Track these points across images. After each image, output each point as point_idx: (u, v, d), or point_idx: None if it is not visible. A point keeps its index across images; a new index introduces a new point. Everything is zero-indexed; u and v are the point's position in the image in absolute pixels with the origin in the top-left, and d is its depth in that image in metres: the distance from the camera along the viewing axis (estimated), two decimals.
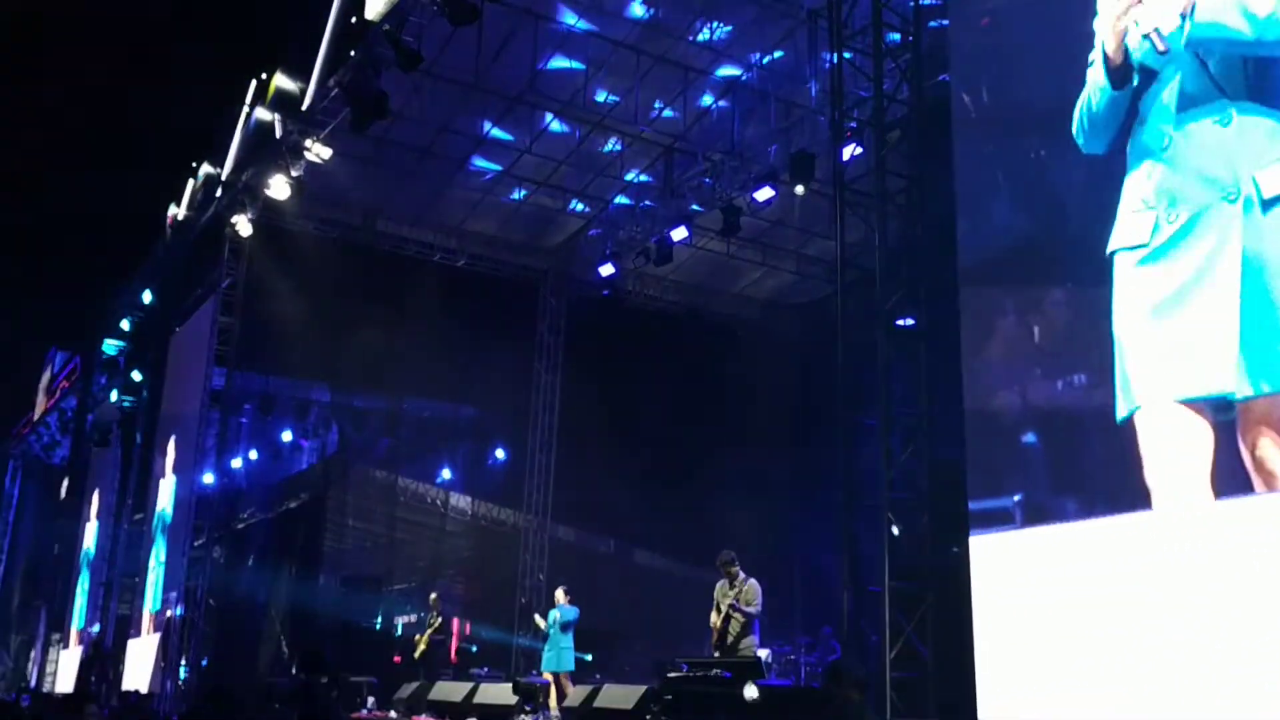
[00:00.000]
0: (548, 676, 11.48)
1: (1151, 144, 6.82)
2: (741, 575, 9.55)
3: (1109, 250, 6.89)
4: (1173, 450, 6.29)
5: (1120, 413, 6.64)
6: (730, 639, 9.43)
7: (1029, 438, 7.40)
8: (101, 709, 14.01)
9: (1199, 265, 6.44)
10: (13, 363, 28.16)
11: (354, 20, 12.59)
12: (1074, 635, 6.58)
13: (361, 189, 16.38)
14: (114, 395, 22.15)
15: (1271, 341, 5.98)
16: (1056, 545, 6.87)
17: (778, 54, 13.47)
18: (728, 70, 13.90)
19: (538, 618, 12.27)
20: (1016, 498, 7.18)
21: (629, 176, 16.02)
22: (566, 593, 11.93)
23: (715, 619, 9.54)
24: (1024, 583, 7.01)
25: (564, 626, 11.63)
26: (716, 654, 9.39)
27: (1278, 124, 6.25)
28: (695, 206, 15.19)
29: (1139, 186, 6.83)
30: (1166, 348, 6.50)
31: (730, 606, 9.42)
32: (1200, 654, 5.85)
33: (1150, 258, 6.68)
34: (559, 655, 11.60)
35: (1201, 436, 6.15)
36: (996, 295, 7.87)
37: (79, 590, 22.68)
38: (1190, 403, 6.25)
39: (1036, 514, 7.06)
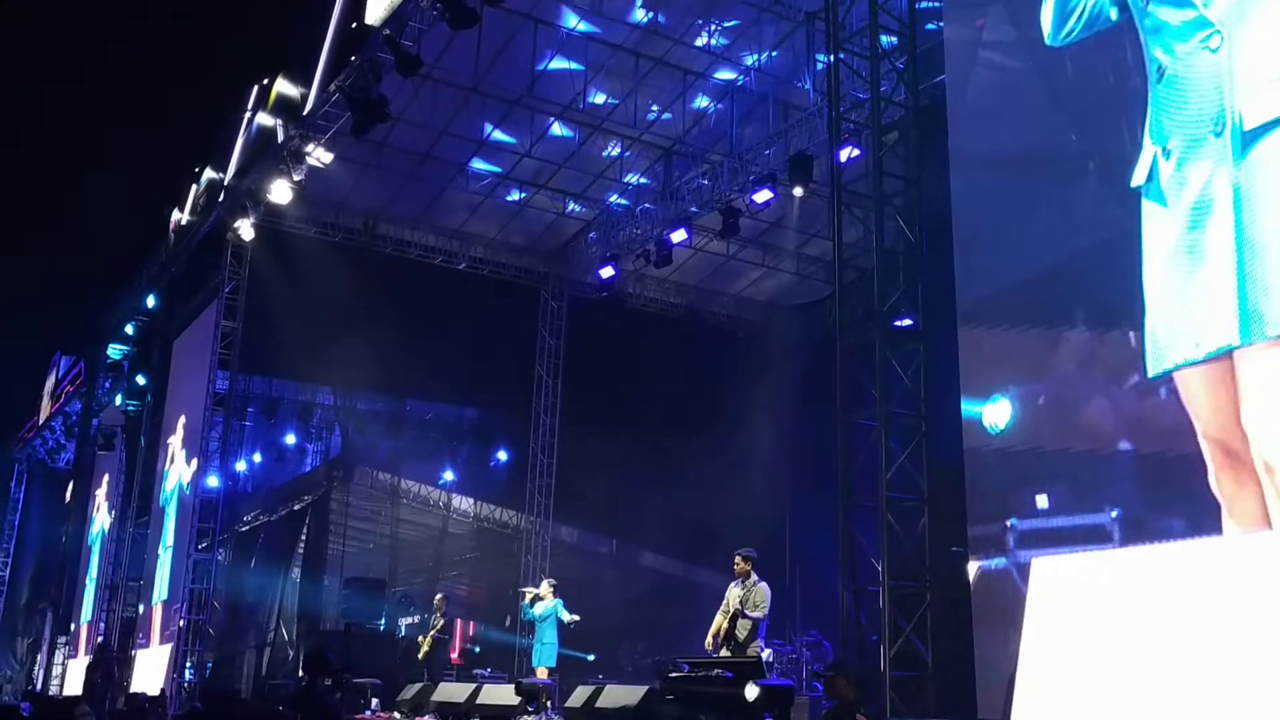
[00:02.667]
0: (542, 674, 11.53)
1: (1150, 73, 6.51)
2: (754, 577, 9.56)
3: (1131, 185, 6.61)
4: (1203, 411, 5.98)
5: (1150, 370, 6.38)
6: (736, 641, 9.43)
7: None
8: (103, 711, 14.08)
9: (1193, 208, 6.08)
10: (18, 367, 28.31)
11: (354, 25, 12.66)
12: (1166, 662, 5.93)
13: (362, 193, 16.44)
14: (118, 399, 22.26)
15: (1271, 285, 5.64)
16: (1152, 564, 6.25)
17: (775, 56, 13.52)
18: (726, 73, 13.96)
19: (527, 592, 12.28)
20: (1115, 513, 6.67)
21: (628, 179, 16.08)
22: (552, 585, 12.01)
23: (720, 620, 9.52)
24: (1121, 604, 6.34)
25: (544, 619, 11.76)
26: (725, 653, 9.39)
27: (1271, 41, 5.72)
28: (694, 208, 15.24)
29: (1149, 119, 6.50)
30: (1177, 300, 6.18)
31: (737, 610, 9.40)
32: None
33: (1157, 198, 6.39)
34: (540, 650, 11.75)
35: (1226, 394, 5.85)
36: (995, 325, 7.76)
37: (85, 593, 22.78)
38: (1209, 360, 5.95)
39: (1137, 531, 6.48)
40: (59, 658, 23.53)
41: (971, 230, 8.32)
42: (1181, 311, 6.23)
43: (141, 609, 19.02)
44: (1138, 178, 6.61)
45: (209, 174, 17.85)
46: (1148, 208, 6.55)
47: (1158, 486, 6.45)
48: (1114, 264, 6.78)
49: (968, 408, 8.00)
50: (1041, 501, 7.28)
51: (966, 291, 8.26)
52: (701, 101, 14.53)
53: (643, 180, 16.08)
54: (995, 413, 7.74)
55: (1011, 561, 7.43)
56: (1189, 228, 6.16)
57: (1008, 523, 7.49)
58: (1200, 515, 6.06)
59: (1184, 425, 6.20)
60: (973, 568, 7.77)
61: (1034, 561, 7.15)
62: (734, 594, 9.55)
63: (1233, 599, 5.70)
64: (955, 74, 8.77)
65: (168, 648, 16.56)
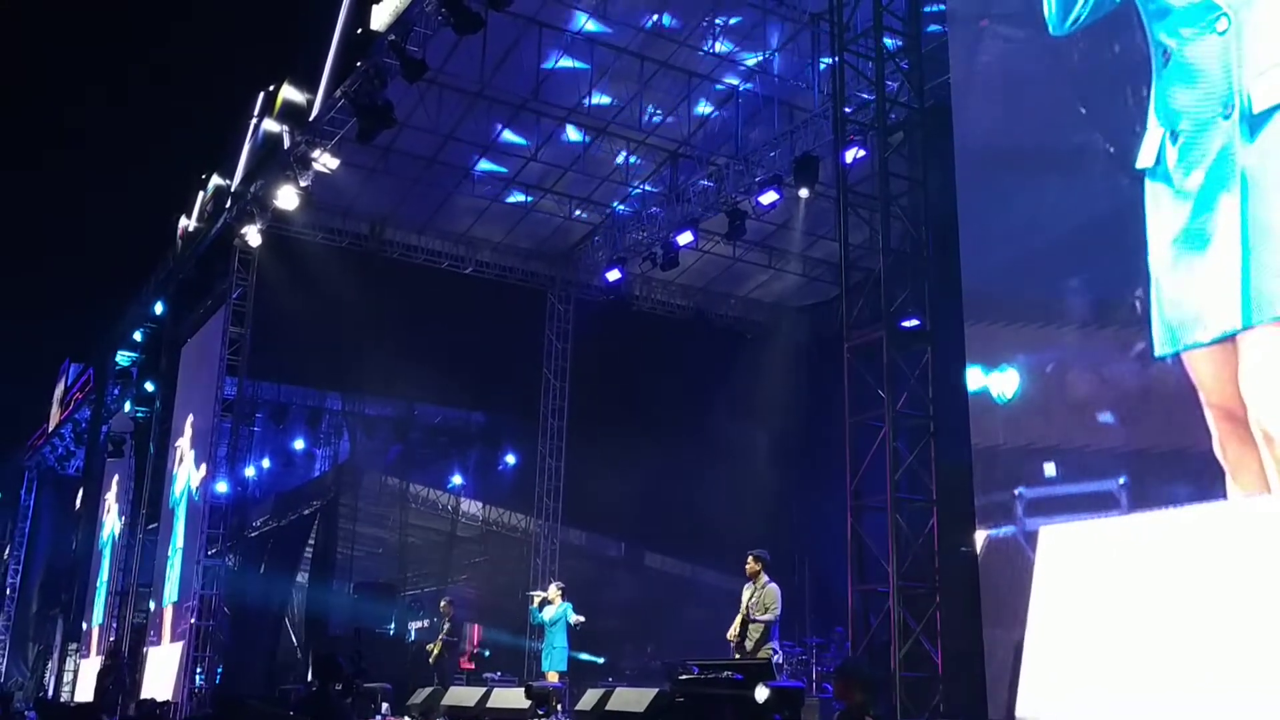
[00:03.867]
0: (552, 677, 11.54)
1: (1155, 56, 6.47)
2: (764, 578, 9.55)
3: (1137, 167, 6.57)
4: (1208, 383, 6.01)
5: (1158, 350, 6.37)
6: (750, 644, 9.42)
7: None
8: (115, 716, 14.13)
9: (1200, 191, 6.06)
10: (27, 375, 28.46)
11: (360, 31, 12.69)
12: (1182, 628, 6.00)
13: (369, 198, 16.49)
14: (127, 406, 22.34)
15: (1277, 267, 5.62)
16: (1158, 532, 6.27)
17: (780, 58, 13.52)
18: (731, 75, 13.96)
19: (535, 596, 12.39)
20: (1122, 480, 6.62)
21: (634, 182, 16.09)
22: (560, 588, 12.03)
23: (737, 625, 9.50)
24: (1130, 572, 6.41)
25: (553, 623, 11.78)
26: (737, 657, 9.38)
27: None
28: (700, 211, 15.24)
29: (1154, 102, 6.45)
30: (1184, 284, 6.17)
31: (746, 615, 9.38)
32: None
33: (1164, 181, 6.35)
34: (550, 654, 11.79)
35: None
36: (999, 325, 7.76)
37: (96, 599, 22.85)
38: (1214, 343, 5.96)
39: (1145, 497, 6.44)
40: (70, 664, 23.59)
41: (978, 206, 8.27)
42: (1188, 295, 6.22)
43: (153, 605, 19.10)
44: (1143, 160, 6.57)
45: (216, 180, 17.90)
46: (1153, 190, 6.51)
47: (1164, 453, 6.44)
48: (1121, 237, 6.74)
49: (975, 378, 7.97)
50: (1049, 469, 7.24)
51: (973, 264, 8.20)
52: (706, 105, 14.53)
53: (648, 183, 16.09)
54: (1003, 382, 7.68)
55: (1020, 530, 7.40)
56: (1196, 211, 6.15)
57: (1016, 491, 7.43)
58: (1206, 481, 6.10)
59: (1189, 393, 6.22)
60: (981, 537, 7.72)
61: (1042, 529, 7.16)
62: (746, 595, 9.55)
63: (1237, 562, 5.80)
64: (960, 55, 8.73)
65: (179, 645, 16.61)
